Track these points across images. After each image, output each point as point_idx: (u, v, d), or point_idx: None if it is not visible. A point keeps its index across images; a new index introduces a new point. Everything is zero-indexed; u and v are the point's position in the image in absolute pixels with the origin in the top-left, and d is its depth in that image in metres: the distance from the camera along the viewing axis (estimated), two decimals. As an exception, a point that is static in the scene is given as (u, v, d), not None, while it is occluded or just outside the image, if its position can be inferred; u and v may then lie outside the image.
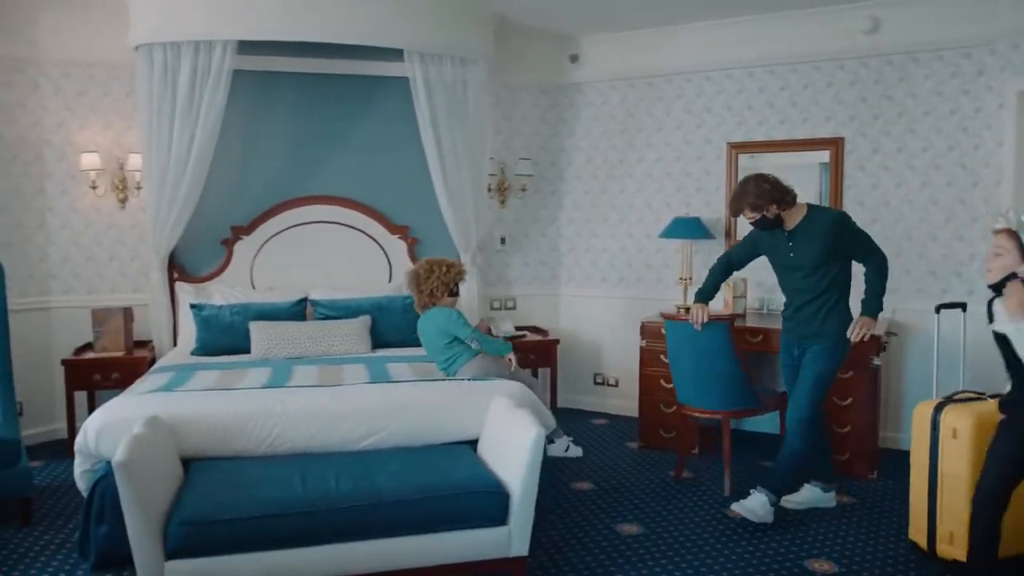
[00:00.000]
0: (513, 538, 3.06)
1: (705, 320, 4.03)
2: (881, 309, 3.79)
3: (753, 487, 3.80)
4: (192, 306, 4.90)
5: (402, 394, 3.74)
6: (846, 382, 4.46)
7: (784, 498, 3.86)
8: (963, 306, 4.34)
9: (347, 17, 4.81)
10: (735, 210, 3.84)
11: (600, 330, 5.95)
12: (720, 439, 4.37)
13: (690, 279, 5.26)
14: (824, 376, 3.78)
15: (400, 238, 5.64)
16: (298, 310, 5.02)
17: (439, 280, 4.13)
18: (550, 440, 4.26)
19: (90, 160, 4.97)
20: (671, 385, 4.51)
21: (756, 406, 4.27)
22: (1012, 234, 2.75)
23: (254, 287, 5.33)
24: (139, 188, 5.15)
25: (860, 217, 5.01)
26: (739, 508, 3.73)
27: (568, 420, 5.67)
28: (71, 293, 5.19)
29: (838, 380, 4.45)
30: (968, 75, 4.73)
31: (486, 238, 5.77)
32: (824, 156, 5.13)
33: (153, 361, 4.81)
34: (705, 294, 4.12)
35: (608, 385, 6.00)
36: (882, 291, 3.78)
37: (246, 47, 4.84)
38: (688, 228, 5.31)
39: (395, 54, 5.04)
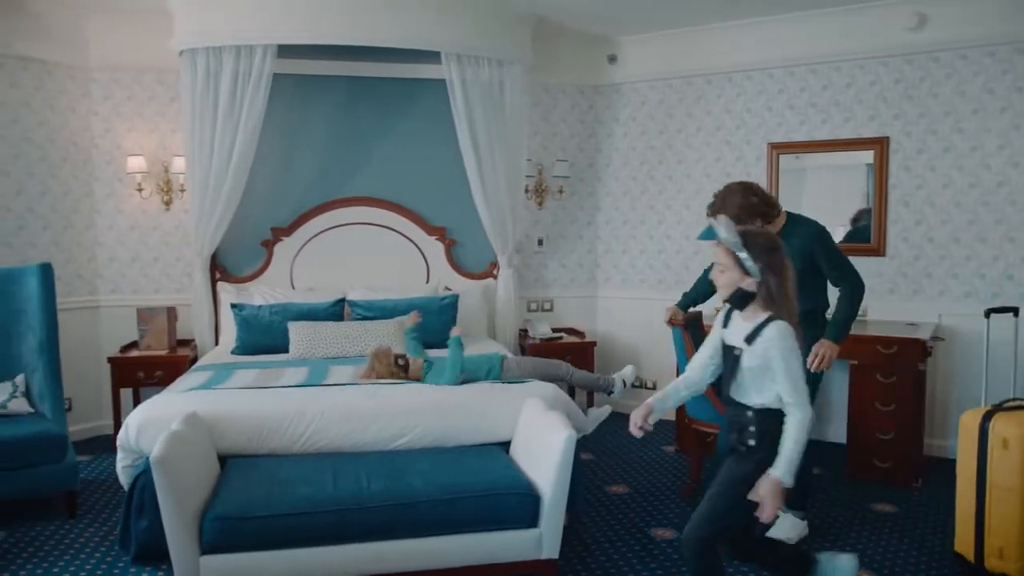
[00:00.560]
0: (544, 540, 3.05)
1: (667, 320, 3.99)
2: (846, 335, 3.46)
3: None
4: (233, 306, 4.99)
5: (435, 394, 3.75)
6: (888, 387, 4.35)
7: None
8: (1015, 310, 4.21)
9: (385, 20, 4.85)
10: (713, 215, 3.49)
11: (637, 332, 5.90)
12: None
13: (729, 281, 5.17)
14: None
15: (437, 239, 5.68)
16: (336, 311, 5.08)
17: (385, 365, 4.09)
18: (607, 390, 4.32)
19: (136, 163, 5.11)
20: (708, 389, 4.43)
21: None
22: (728, 250, 2.44)
23: (294, 288, 5.41)
24: (183, 190, 5.26)
25: (905, 219, 4.92)
26: (777, 535, 3.60)
27: (604, 423, 5.60)
28: (117, 293, 5.33)
29: (880, 384, 4.37)
30: (1021, 71, 4.57)
31: (523, 240, 5.77)
32: (869, 156, 5.01)
33: (195, 360, 4.91)
34: (685, 300, 4.05)
35: (645, 388, 5.95)
36: (851, 316, 3.45)
37: (286, 51, 4.92)
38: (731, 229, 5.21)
39: (433, 56, 5.07)
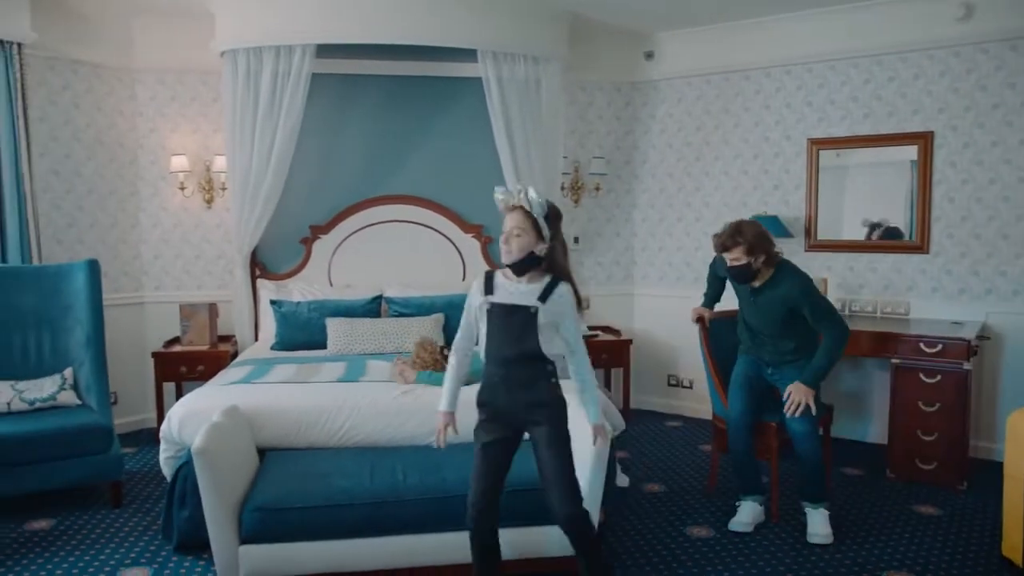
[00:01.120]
0: (578, 536, 3.04)
1: (695, 319, 4.18)
2: (819, 382, 3.61)
3: (804, 512, 3.68)
4: (272, 302, 5.07)
5: (470, 392, 3.74)
6: (933, 387, 4.26)
7: (732, 522, 3.72)
8: (1064, 309, 4.08)
9: (421, 19, 4.89)
10: (725, 245, 3.67)
11: (675, 331, 5.84)
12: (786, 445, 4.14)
13: (767, 279, 5.10)
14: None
15: (474, 237, 5.70)
16: (373, 307, 5.13)
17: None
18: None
19: (179, 162, 5.22)
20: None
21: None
22: (527, 213, 2.60)
23: (331, 284, 5.48)
24: (224, 189, 5.36)
25: (950, 215, 4.81)
26: (815, 540, 3.56)
27: (641, 422, 5.61)
28: (161, 289, 5.45)
29: (924, 384, 4.28)
30: (1072, 63, 4.45)
31: (559, 237, 5.75)
32: (913, 153, 4.90)
33: (235, 355, 5.00)
34: (707, 299, 4.25)
35: (682, 387, 5.90)
36: (827, 365, 3.59)
37: (324, 51, 4.98)
38: (766, 227, 5.13)
39: (469, 55, 5.09)
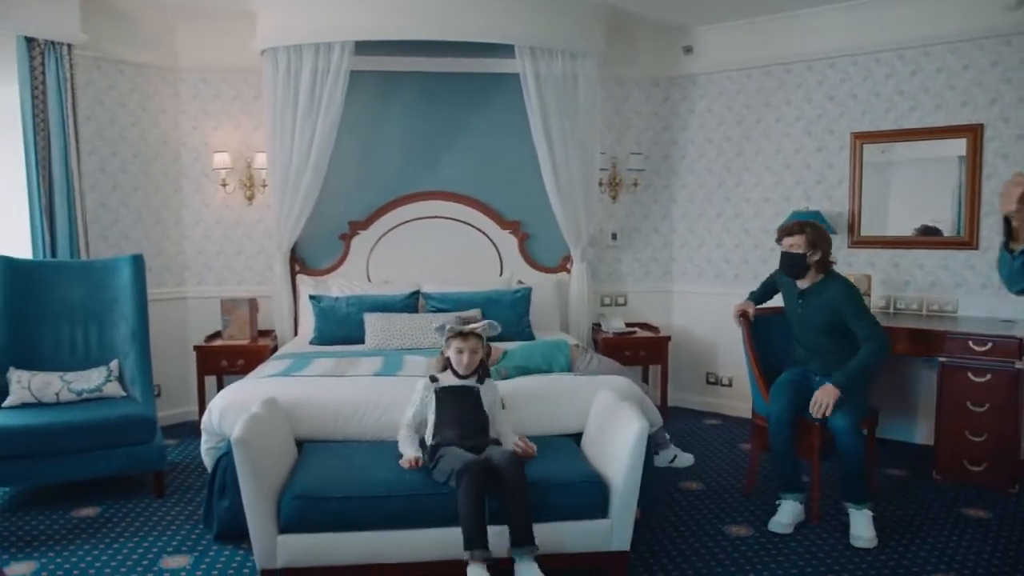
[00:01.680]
0: (615, 532, 3.02)
1: (737, 314, 4.16)
2: (849, 385, 3.59)
3: (846, 513, 3.60)
4: (311, 297, 5.13)
5: (506, 386, 3.75)
6: (982, 386, 4.13)
7: (772, 522, 3.66)
8: (1122, 306, 3.93)
9: (460, 15, 4.90)
10: (790, 230, 3.78)
11: (714, 328, 5.77)
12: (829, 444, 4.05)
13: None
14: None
15: (511, 233, 5.69)
16: (411, 303, 5.15)
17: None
18: (655, 451, 4.18)
19: (221, 159, 5.31)
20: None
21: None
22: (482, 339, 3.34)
23: (370, 280, 5.52)
24: (264, 185, 5.44)
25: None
26: (858, 543, 3.48)
27: (679, 420, 5.54)
28: (203, 284, 5.55)
29: (973, 384, 4.16)
30: None
31: (597, 234, 5.73)
32: (961, 148, 4.77)
33: (275, 349, 5.06)
34: (753, 296, 4.26)
35: (721, 385, 5.82)
36: (859, 371, 3.61)
37: (363, 48, 5.02)
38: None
39: (507, 50, 5.09)
